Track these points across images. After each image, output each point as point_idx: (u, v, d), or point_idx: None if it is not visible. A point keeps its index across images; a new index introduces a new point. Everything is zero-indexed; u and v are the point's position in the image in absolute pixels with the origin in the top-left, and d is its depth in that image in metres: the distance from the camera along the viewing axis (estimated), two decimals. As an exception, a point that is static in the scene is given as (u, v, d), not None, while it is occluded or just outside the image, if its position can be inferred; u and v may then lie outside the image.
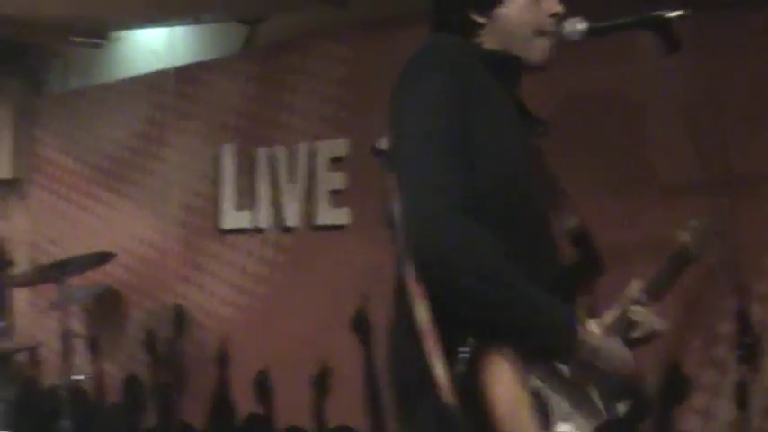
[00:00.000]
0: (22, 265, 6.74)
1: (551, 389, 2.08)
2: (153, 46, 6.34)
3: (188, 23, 6.10)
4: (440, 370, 1.93)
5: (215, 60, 5.99)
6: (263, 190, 5.64)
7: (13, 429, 5.55)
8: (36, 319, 6.90)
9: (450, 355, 1.94)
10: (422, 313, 1.96)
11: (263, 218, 5.63)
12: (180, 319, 6.03)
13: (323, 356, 5.28)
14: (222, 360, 5.84)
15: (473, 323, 1.97)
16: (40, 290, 6.62)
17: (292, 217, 5.49)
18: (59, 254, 5.84)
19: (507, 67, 2.25)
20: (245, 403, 5.73)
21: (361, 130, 5.10)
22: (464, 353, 1.95)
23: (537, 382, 2.04)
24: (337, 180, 5.30)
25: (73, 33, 6.38)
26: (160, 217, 6.19)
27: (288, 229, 5.52)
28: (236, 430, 5.79)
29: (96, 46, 6.51)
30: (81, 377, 5.87)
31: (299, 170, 5.46)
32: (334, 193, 5.31)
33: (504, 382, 1.96)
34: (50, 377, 6.51)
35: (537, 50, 2.26)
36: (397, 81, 2.12)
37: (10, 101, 7.13)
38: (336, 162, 5.30)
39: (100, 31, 6.41)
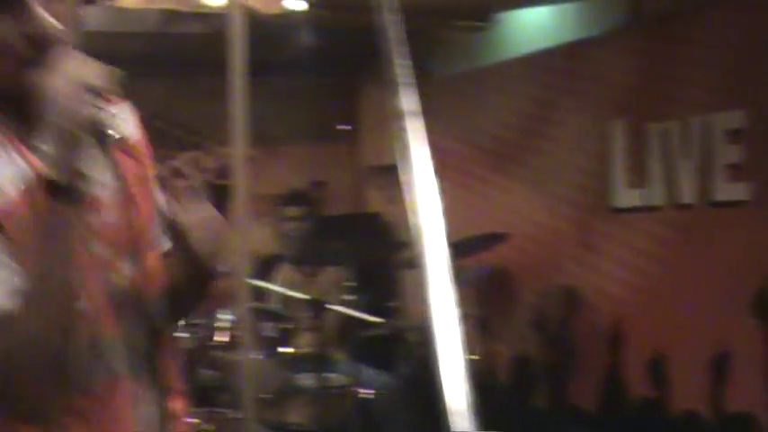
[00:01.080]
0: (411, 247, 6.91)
1: None
2: (536, 25, 6.30)
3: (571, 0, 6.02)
4: None
5: (601, 36, 5.87)
6: (656, 166, 5.46)
7: (405, 407, 5.70)
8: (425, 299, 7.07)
9: None
10: None
11: (657, 195, 5.46)
12: (571, 299, 5.98)
13: (721, 339, 5.04)
14: (614, 341, 5.73)
15: None
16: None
17: (687, 193, 5.28)
18: (449, 236, 5.92)
19: None
20: (637, 386, 5.60)
21: (759, 99, 4.85)
22: None
23: None
24: (735, 153, 5.04)
25: (456, 18, 6.46)
26: (550, 197, 6.16)
27: (683, 207, 5.32)
28: (628, 414, 5.67)
29: (479, 29, 6.56)
30: (472, 357, 5.93)
31: (693, 144, 5.25)
32: (732, 167, 5.05)
33: None
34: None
35: None
36: None
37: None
38: (733, 134, 5.04)
39: (483, 14, 6.45)
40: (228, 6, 3.44)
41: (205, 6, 5.89)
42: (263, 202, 6.18)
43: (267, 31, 5.67)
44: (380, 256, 6.99)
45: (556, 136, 6.13)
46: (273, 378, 5.02)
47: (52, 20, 1.56)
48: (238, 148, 3.25)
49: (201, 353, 5.06)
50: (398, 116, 1.13)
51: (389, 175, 7.52)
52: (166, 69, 6.60)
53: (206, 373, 5.23)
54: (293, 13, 6.03)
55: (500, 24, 6.55)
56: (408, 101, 1.14)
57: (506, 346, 6.51)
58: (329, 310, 5.18)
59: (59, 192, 1.51)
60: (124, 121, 1.83)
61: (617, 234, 5.74)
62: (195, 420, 4.91)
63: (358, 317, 5.21)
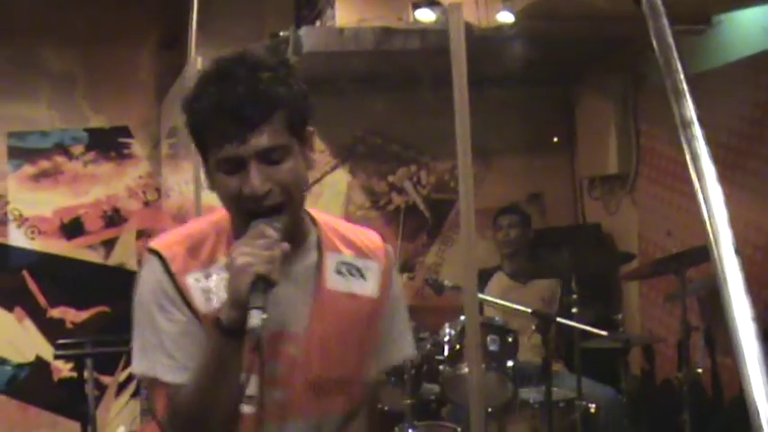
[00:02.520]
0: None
1: None
2: (759, 25, 6.05)
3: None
4: None
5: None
6: None
7: (630, 422, 5.58)
8: (648, 312, 6.91)
9: None
10: None
11: None
12: (803, 312, 5.70)
13: None
14: None
15: None
16: (652, 282, 6.62)
17: None
18: (672, 246, 5.76)
19: None
20: None
21: None
22: None
23: None
24: None
25: (674, 22, 6.28)
26: (779, 205, 5.89)
27: None
28: None
29: (699, 33, 6.35)
30: (699, 370, 5.75)
31: None
32: None
33: None
34: (664, 371, 6.48)
35: None
36: None
37: (612, 97, 7.22)
38: None
39: (702, 16, 6.25)
40: (448, 22, 3.46)
41: (420, 23, 5.97)
42: (479, 215, 6.21)
43: (482, 44, 5.69)
44: (601, 267, 6.90)
45: (784, 141, 5.87)
46: (497, 392, 5.01)
47: (260, 184, 1.94)
48: (463, 163, 3.25)
49: (427, 367, 5.11)
50: (684, 125, 1.10)
51: (608, 186, 7.41)
52: (385, 86, 6.69)
53: (429, 387, 5.27)
54: (506, 25, 6.03)
55: (720, 26, 6.33)
56: (690, 109, 1.12)
57: (733, 360, 6.26)
58: (551, 321, 5.11)
59: (222, 330, 1.92)
60: (364, 277, 2.21)
61: None
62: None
63: (582, 329, 5.13)
